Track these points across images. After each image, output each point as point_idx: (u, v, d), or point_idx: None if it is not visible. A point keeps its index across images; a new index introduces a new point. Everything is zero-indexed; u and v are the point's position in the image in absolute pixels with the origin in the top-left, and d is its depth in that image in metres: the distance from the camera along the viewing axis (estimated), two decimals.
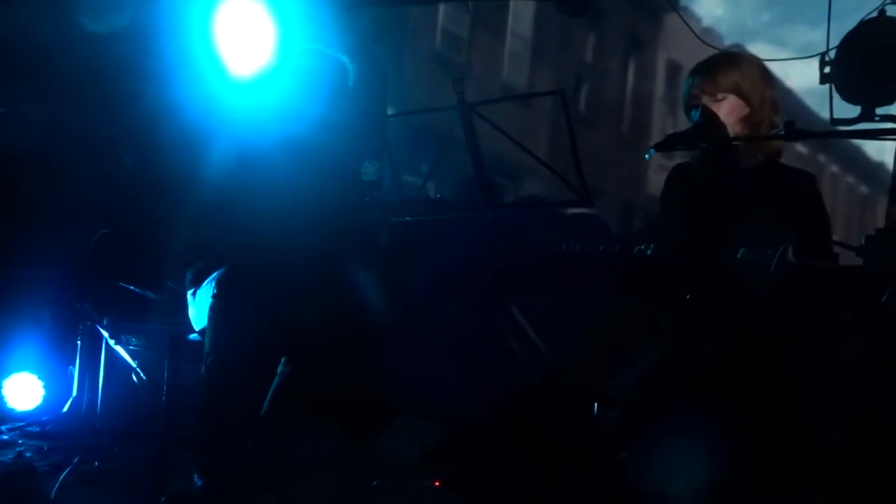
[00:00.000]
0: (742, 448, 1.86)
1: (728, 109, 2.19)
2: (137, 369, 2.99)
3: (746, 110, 2.21)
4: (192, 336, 2.37)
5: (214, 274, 2.28)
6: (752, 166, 2.20)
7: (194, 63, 3.17)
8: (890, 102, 2.94)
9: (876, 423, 1.92)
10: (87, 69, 3.27)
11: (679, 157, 2.40)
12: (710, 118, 2.17)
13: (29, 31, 3.20)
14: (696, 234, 2.19)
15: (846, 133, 2.71)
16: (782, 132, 2.06)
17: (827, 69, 2.98)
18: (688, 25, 3.51)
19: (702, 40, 3.30)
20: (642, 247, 2.03)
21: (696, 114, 2.21)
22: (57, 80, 3.28)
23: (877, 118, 2.90)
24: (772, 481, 1.87)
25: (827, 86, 2.98)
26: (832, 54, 2.98)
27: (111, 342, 3.03)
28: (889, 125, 2.84)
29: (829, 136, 2.66)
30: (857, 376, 1.93)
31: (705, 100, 2.19)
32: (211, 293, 2.21)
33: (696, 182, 2.27)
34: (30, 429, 3.03)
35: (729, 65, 2.23)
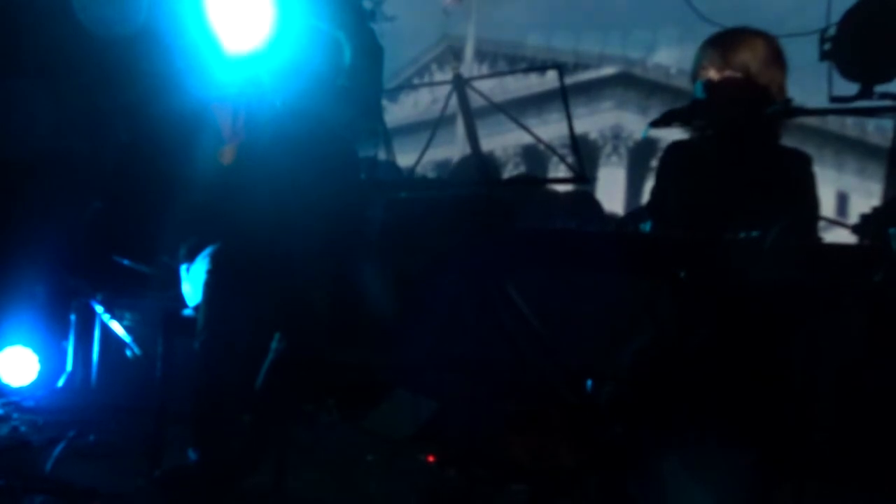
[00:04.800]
0: (736, 428, 1.87)
1: (734, 87, 2.15)
2: (131, 344, 2.99)
3: (752, 91, 2.18)
4: (187, 311, 2.36)
5: (208, 249, 2.27)
6: (751, 146, 2.18)
7: (190, 38, 3.13)
8: (889, 80, 2.92)
9: (870, 402, 1.93)
10: (82, 45, 3.24)
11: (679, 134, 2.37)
12: (712, 95, 2.15)
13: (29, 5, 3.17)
14: (691, 212, 2.18)
15: (845, 111, 2.69)
16: (779, 108, 2.04)
17: (826, 46, 2.95)
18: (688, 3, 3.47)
19: (701, 16, 3.26)
20: (641, 224, 2.02)
21: (698, 88, 2.18)
22: (51, 57, 3.25)
23: (876, 96, 2.88)
24: (766, 462, 1.88)
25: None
26: (832, 31, 2.96)
27: (105, 317, 3.03)
28: (888, 103, 2.82)
29: (828, 113, 2.64)
30: (852, 354, 1.93)
31: (712, 74, 2.16)
32: (205, 268, 2.21)
33: (694, 159, 2.25)
34: (25, 403, 3.04)
35: (741, 42, 2.19)
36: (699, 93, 2.18)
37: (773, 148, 2.20)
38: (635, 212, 2.39)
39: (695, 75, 2.23)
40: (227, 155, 2.39)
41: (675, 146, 2.34)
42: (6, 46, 3.18)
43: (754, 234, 1.83)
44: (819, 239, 2.11)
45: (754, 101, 2.17)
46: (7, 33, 3.16)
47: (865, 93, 2.89)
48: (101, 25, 3.13)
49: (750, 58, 2.16)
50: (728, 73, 2.15)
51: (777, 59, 2.21)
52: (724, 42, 2.20)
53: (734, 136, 2.18)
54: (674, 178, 2.27)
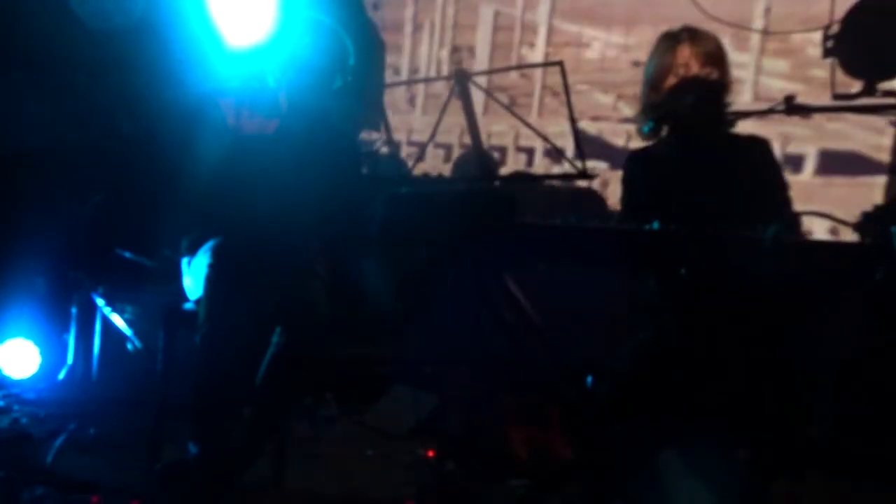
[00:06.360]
0: (736, 425, 1.87)
1: (719, 83, 2.16)
2: (132, 338, 2.99)
3: (723, 83, 2.19)
4: (188, 305, 2.36)
5: (210, 243, 2.27)
6: (714, 140, 2.18)
7: (192, 31, 3.13)
8: (892, 77, 2.92)
9: (870, 400, 1.93)
10: (82, 38, 3.23)
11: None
12: (708, 92, 2.14)
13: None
14: (678, 216, 2.16)
15: (846, 108, 2.69)
16: (783, 106, 2.04)
17: (830, 43, 2.95)
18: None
19: (703, 11, 3.25)
20: (647, 226, 2.01)
21: (683, 88, 2.16)
22: (51, 50, 3.25)
23: (878, 93, 2.88)
24: (765, 460, 1.89)
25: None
26: (835, 28, 2.95)
27: (106, 310, 3.03)
28: (890, 100, 2.82)
29: (829, 110, 2.65)
30: (852, 352, 1.94)
31: (696, 70, 2.15)
32: (207, 262, 2.21)
33: (662, 165, 2.23)
34: (25, 395, 3.04)
35: (711, 35, 2.21)
36: (685, 93, 2.16)
37: (732, 138, 2.20)
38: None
39: (666, 72, 2.20)
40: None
41: (640, 157, 2.32)
42: (5, 40, 3.17)
43: (765, 231, 1.82)
44: (797, 219, 2.11)
45: (724, 96, 2.18)
46: (6, 27, 3.16)
47: (868, 90, 2.89)
48: (98, 19, 3.12)
49: (720, 49, 2.18)
50: (709, 68, 2.15)
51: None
52: (699, 36, 2.20)
53: (699, 133, 2.18)
54: (655, 189, 2.24)
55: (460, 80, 2.40)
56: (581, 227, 2.05)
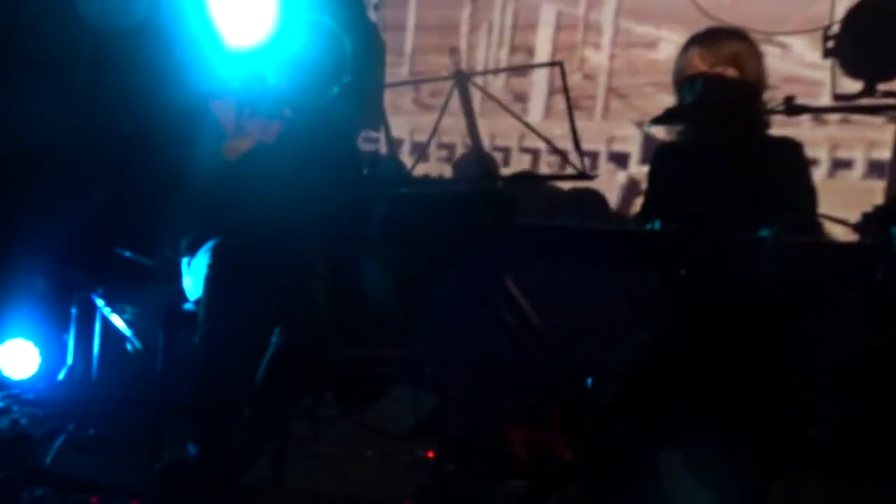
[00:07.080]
0: (736, 425, 1.87)
1: (731, 81, 2.15)
2: (132, 338, 3.00)
3: (747, 83, 2.18)
4: (187, 305, 2.36)
5: (210, 243, 2.27)
6: (742, 140, 2.18)
7: (193, 32, 3.13)
8: (893, 78, 2.92)
9: (870, 401, 1.93)
10: (84, 37, 3.24)
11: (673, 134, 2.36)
12: (716, 90, 2.14)
13: None
14: (691, 214, 2.17)
15: (847, 108, 2.69)
16: (782, 107, 2.03)
17: (830, 43, 2.95)
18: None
19: (704, 12, 3.25)
20: (649, 226, 2.01)
21: (688, 87, 2.17)
22: (53, 49, 3.25)
23: (879, 94, 2.88)
24: (766, 460, 1.88)
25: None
26: (835, 28, 2.95)
27: (106, 311, 3.03)
28: (891, 101, 2.82)
29: (830, 111, 2.64)
30: (852, 352, 1.93)
31: (704, 70, 2.16)
32: (206, 262, 2.21)
33: (686, 161, 2.24)
34: (25, 396, 3.04)
35: (728, 35, 2.20)
36: (689, 92, 2.16)
37: (764, 138, 2.20)
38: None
39: (682, 75, 2.21)
40: (231, 150, 2.39)
41: (665, 151, 2.33)
42: (7, 39, 3.17)
43: (764, 232, 1.82)
44: (820, 224, 2.10)
45: (748, 93, 2.18)
46: (7, 26, 3.16)
47: (869, 91, 2.88)
48: (102, 19, 3.13)
49: (739, 49, 2.17)
50: (721, 67, 2.15)
51: (758, 49, 2.22)
52: (711, 36, 2.21)
53: (724, 131, 2.17)
54: (672, 183, 2.25)
55: (459, 80, 2.40)
56: (581, 228, 2.05)
